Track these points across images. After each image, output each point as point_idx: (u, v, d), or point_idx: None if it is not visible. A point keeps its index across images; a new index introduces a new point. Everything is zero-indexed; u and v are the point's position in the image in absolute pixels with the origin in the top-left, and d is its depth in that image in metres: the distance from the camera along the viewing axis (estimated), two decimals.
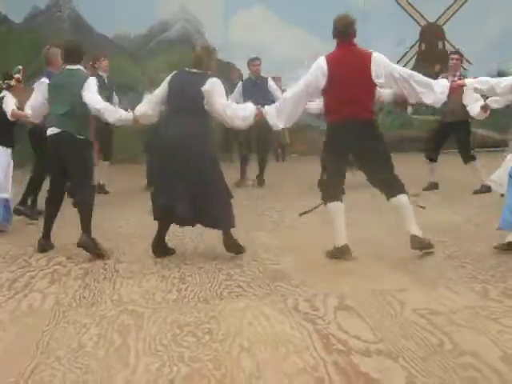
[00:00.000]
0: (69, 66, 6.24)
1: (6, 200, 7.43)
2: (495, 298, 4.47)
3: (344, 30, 5.61)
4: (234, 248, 5.82)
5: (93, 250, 6.00)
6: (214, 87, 5.72)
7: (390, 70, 5.53)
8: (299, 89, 5.71)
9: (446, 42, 15.39)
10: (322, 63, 5.58)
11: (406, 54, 15.82)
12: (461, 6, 14.95)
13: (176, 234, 6.70)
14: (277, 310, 4.36)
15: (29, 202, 8.15)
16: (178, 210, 5.62)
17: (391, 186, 5.64)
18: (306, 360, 3.51)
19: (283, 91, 12.47)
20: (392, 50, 15.27)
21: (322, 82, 5.57)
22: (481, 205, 8.24)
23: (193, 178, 5.64)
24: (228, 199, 5.82)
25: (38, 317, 4.40)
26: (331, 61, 5.57)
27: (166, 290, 4.93)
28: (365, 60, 5.54)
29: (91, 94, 6.04)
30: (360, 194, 9.00)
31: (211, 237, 6.17)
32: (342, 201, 5.76)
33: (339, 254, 5.65)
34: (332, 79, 5.53)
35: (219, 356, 3.61)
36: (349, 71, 5.51)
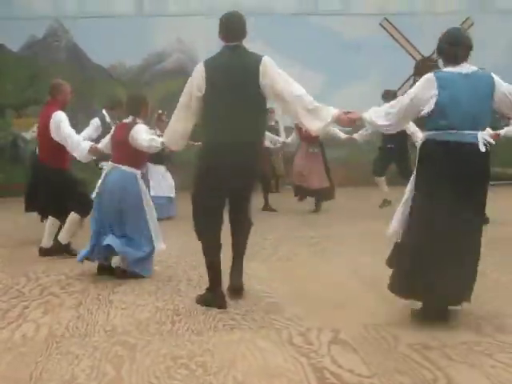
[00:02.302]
0: None
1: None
2: (489, 334, 4.48)
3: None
4: None
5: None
6: None
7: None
8: None
9: None
10: None
11: (400, 88, 15.95)
12: None
13: (169, 265, 6.74)
14: (271, 343, 4.35)
15: None
16: None
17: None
18: None
19: (277, 123, 12.73)
20: (385, 84, 15.42)
21: None
22: None
23: None
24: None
25: (31, 347, 4.38)
26: None
27: (159, 322, 4.92)
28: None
29: None
30: (352, 227, 9.05)
31: (205, 268, 6.15)
32: None
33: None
34: None
35: None
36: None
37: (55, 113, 7.14)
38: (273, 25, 15.04)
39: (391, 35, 15.88)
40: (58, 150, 7.19)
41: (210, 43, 15.37)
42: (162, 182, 10.69)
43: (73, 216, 7.31)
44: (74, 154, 7.06)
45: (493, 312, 4.99)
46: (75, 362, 4.06)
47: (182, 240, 7.66)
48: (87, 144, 6.96)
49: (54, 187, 7.30)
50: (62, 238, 7.41)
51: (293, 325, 4.77)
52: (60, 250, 7.40)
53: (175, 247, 7.39)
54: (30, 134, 11.50)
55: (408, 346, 4.23)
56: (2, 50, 15.44)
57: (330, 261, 7.01)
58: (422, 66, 15.64)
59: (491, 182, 4.69)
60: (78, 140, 7.05)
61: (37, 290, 5.96)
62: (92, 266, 6.59)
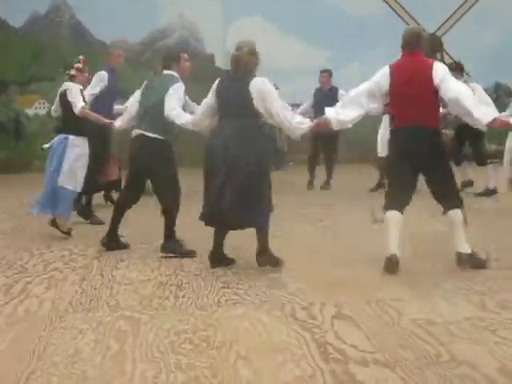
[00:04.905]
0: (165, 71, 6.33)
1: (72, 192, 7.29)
2: (492, 310, 4.47)
3: (407, 41, 5.66)
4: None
5: None
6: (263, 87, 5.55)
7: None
8: (360, 90, 5.73)
9: (444, 54, 15.44)
10: (386, 70, 5.68)
11: None
12: (460, 18, 15.02)
13: None
14: (274, 318, 4.35)
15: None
16: (223, 215, 5.52)
17: (448, 200, 5.61)
18: (304, 368, 3.50)
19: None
20: (389, 60, 15.34)
21: (385, 87, 5.62)
22: (477, 214, 8.26)
23: (238, 183, 5.45)
24: (268, 209, 5.68)
25: (34, 322, 4.38)
26: (394, 68, 5.67)
27: (163, 297, 4.93)
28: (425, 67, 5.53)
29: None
30: (358, 206, 9.04)
31: (208, 244, 6.16)
32: (400, 211, 5.62)
33: (385, 263, 5.51)
34: (395, 85, 5.58)
35: (216, 364, 3.60)
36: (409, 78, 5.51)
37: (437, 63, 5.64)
38: (275, 1, 14.94)
39: (394, 10, 15.78)
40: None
41: (212, 20, 15.43)
42: None
43: (460, 214, 5.58)
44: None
45: (495, 288, 4.99)
46: (79, 337, 4.07)
47: (184, 215, 7.63)
48: None
49: None
50: (465, 247, 5.55)
51: (296, 299, 4.77)
52: None
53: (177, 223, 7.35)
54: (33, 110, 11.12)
55: (411, 321, 4.23)
56: (5, 27, 15.41)
57: (333, 237, 7.02)
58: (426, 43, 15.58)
59: None
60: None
61: (40, 266, 5.97)
62: (96, 241, 6.59)
